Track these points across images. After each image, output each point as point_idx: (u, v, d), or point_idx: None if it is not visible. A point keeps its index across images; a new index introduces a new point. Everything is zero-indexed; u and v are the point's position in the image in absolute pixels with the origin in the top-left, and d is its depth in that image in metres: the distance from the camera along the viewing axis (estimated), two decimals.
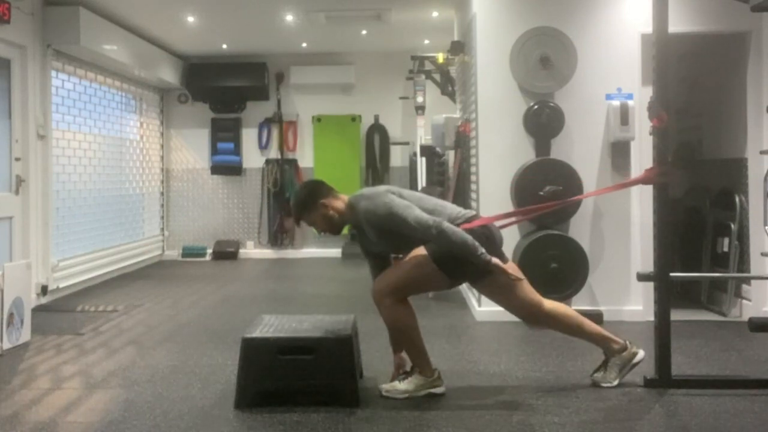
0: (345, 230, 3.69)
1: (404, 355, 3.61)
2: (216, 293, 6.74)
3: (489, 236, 3.42)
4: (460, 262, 3.34)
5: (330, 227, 3.53)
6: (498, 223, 3.65)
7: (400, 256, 3.52)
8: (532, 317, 3.63)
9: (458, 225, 3.34)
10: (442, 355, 4.20)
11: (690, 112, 6.15)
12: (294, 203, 3.58)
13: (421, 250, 3.38)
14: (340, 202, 3.50)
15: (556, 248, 4.95)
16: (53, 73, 6.53)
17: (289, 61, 9.37)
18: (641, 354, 3.61)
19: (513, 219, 4.30)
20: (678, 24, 4.37)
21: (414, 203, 3.38)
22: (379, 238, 3.42)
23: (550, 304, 3.59)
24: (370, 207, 3.36)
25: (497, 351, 4.40)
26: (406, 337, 3.48)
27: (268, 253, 9.53)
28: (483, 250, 3.26)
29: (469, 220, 3.41)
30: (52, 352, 4.49)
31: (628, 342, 3.63)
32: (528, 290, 3.55)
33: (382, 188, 3.50)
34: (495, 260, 3.29)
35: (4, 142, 5.89)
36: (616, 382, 3.59)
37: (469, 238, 3.25)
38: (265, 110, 9.49)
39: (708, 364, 4.07)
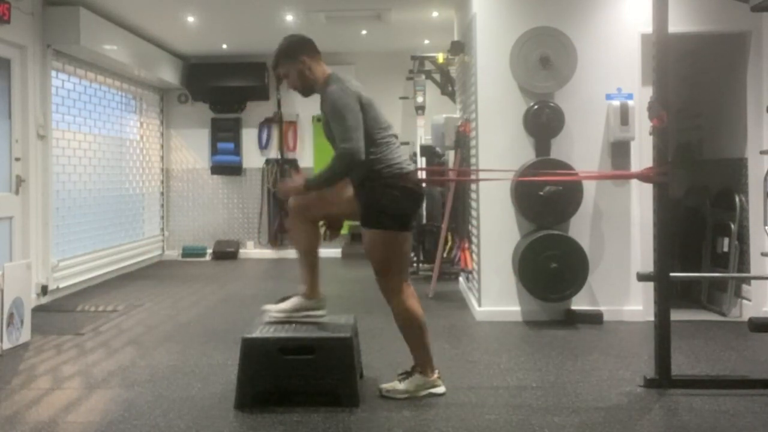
0: (345, 230, 3.68)
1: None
2: (216, 293, 6.74)
3: (415, 195, 3.40)
4: (393, 213, 3.31)
5: (301, 86, 3.50)
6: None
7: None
8: (389, 296, 3.44)
9: (391, 174, 3.30)
10: (442, 355, 4.20)
11: (690, 112, 6.15)
12: (278, 49, 3.53)
13: (365, 237, 3.37)
14: (320, 68, 3.47)
15: (556, 248, 4.95)
16: (53, 73, 6.53)
17: None
18: (441, 389, 3.51)
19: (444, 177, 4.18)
20: (678, 24, 4.37)
21: (369, 125, 3.29)
22: (324, 123, 3.41)
23: (411, 302, 3.42)
24: (334, 92, 3.30)
25: (497, 351, 4.40)
26: (414, 333, 3.47)
27: (268, 253, 9.53)
28: (321, 185, 3.30)
29: (403, 175, 3.34)
30: (52, 352, 4.49)
31: (438, 372, 3.54)
32: (405, 273, 3.45)
33: (358, 89, 3.37)
34: (307, 188, 3.32)
35: (4, 142, 5.89)
36: (403, 396, 3.44)
37: (330, 181, 3.29)
38: (265, 110, 9.49)
39: (708, 364, 4.07)
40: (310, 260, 3.53)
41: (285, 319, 3.54)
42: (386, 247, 3.36)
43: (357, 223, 3.60)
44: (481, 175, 5.28)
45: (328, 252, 9.25)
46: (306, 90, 3.52)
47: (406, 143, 9.18)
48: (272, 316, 3.56)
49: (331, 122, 3.31)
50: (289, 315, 3.53)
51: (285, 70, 3.50)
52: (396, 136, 3.49)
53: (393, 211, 3.33)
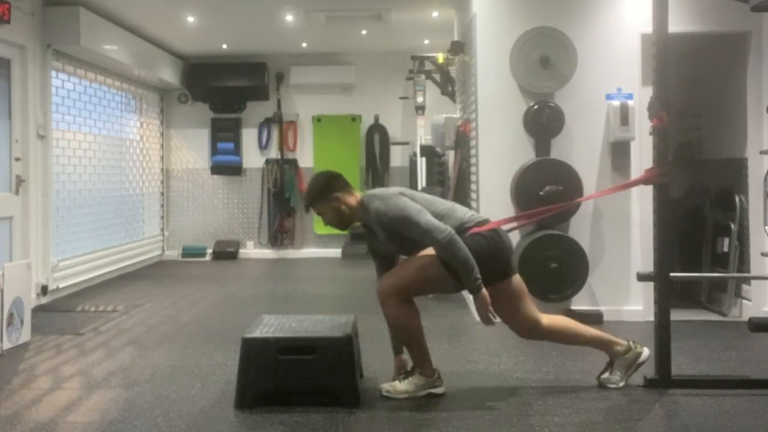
0: (346, 230, 3.69)
1: (405, 356, 3.61)
2: (216, 293, 6.74)
3: (498, 243, 3.39)
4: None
5: (338, 221, 3.52)
6: (507, 226, 3.65)
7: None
8: (529, 333, 3.61)
9: (468, 228, 3.34)
10: (442, 355, 4.20)
11: (690, 112, 6.15)
12: (308, 190, 3.55)
13: (429, 251, 3.36)
14: (353, 199, 3.49)
15: (556, 248, 4.95)
16: (53, 73, 6.53)
17: (289, 61, 9.37)
18: (646, 353, 3.60)
19: (520, 222, 4.29)
20: (678, 24, 4.37)
21: (425, 207, 3.36)
22: (389, 239, 3.42)
23: (547, 320, 3.56)
24: (382, 208, 3.35)
25: (497, 351, 4.40)
26: (410, 336, 3.46)
27: (268, 253, 9.53)
28: (479, 276, 3.23)
29: (479, 224, 3.40)
30: (52, 352, 4.49)
31: (631, 342, 3.61)
32: (529, 307, 3.53)
33: (395, 190, 3.49)
34: (484, 293, 3.25)
35: (4, 142, 5.89)
36: (622, 383, 3.57)
37: (470, 259, 3.22)
38: (265, 110, 9.49)
39: (708, 364, 4.07)
40: (419, 339, 3.47)
41: (406, 398, 3.45)
42: (429, 273, 3.34)
43: (358, 223, 3.60)
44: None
45: (328, 252, 9.27)
46: (344, 224, 3.55)
47: (406, 143, 9.22)
48: (394, 397, 3.46)
49: (402, 230, 3.31)
50: (411, 395, 3.45)
51: (320, 209, 3.51)
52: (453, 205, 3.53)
53: (477, 257, 3.27)
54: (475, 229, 3.36)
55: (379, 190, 3.54)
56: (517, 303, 3.49)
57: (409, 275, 3.39)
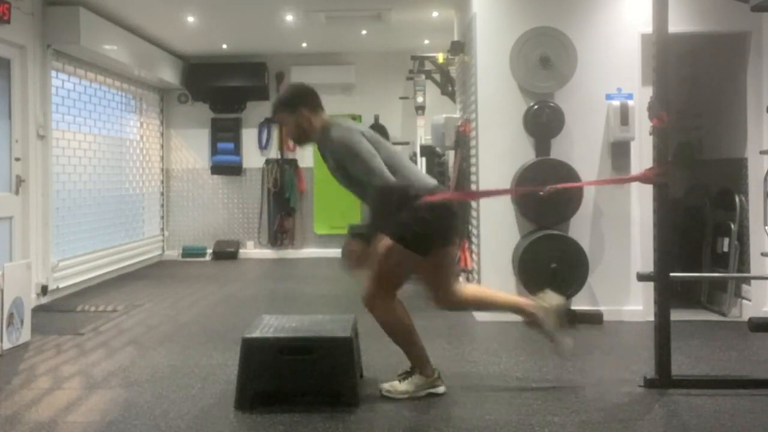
0: (345, 230, 3.67)
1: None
2: (216, 293, 6.74)
3: (451, 212, 3.42)
4: (418, 235, 3.31)
5: (297, 137, 3.51)
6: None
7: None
8: (447, 303, 3.57)
9: (421, 195, 3.30)
10: (442, 355, 4.20)
11: (690, 112, 6.15)
12: (278, 97, 3.54)
13: (384, 242, 3.35)
14: (318, 119, 3.47)
15: (556, 248, 4.96)
16: (53, 73, 6.53)
17: (289, 61, 9.37)
18: (557, 300, 3.56)
19: (468, 198, 4.22)
20: (678, 24, 4.37)
21: (383, 153, 3.32)
22: (336, 169, 3.42)
23: (463, 291, 3.54)
24: (337, 137, 3.33)
25: (497, 351, 4.40)
26: (403, 337, 3.47)
27: (268, 253, 9.53)
28: (375, 230, 3.27)
29: (432, 191, 3.37)
30: (52, 352, 4.49)
31: (536, 300, 3.57)
32: (454, 279, 3.50)
33: (358, 126, 3.44)
34: (365, 244, 3.27)
35: (4, 142, 5.89)
36: (403, 396, 3.45)
37: (387, 211, 3.24)
38: (265, 110, 9.47)
39: (708, 364, 4.07)
40: (413, 338, 3.48)
41: (406, 398, 3.45)
42: (396, 260, 3.34)
43: (355, 223, 3.60)
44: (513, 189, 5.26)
45: (328, 252, 9.27)
46: (302, 141, 3.54)
47: (406, 143, 9.22)
48: (394, 397, 3.45)
49: (348, 164, 3.29)
50: (411, 395, 3.45)
51: (283, 119, 3.51)
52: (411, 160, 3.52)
53: (418, 229, 3.29)
54: (428, 197, 3.31)
55: (344, 121, 3.49)
56: (445, 272, 3.48)
57: (377, 271, 3.38)
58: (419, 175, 3.50)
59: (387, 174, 3.22)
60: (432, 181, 3.49)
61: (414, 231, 3.30)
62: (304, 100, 3.47)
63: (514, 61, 5.18)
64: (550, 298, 3.58)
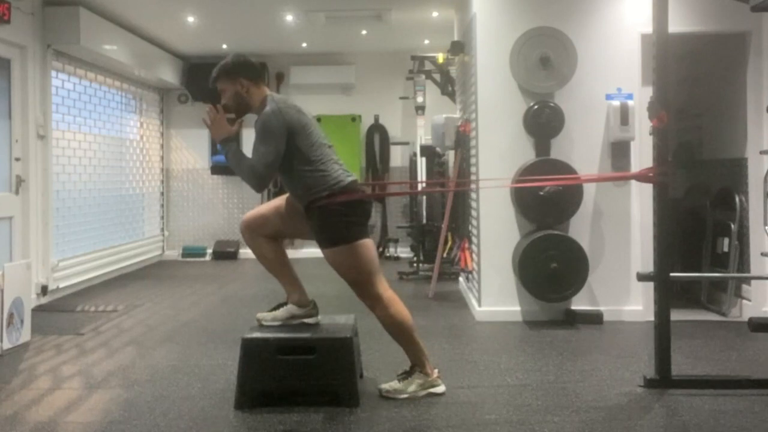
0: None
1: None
2: (216, 293, 6.74)
3: (364, 205, 3.46)
4: (334, 232, 3.32)
5: (235, 105, 3.49)
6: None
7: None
8: (360, 296, 3.48)
9: (330, 191, 3.30)
10: (442, 355, 4.21)
11: (690, 112, 6.15)
12: (220, 64, 3.50)
13: (330, 260, 3.36)
14: (257, 92, 3.46)
15: (556, 248, 4.95)
16: (53, 73, 6.53)
17: (289, 61, 9.37)
18: (442, 389, 3.52)
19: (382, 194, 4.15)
20: (678, 24, 4.37)
21: (303, 145, 3.31)
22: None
23: (385, 305, 3.41)
24: (266, 113, 3.32)
25: (497, 351, 4.40)
26: (405, 335, 3.47)
27: None
28: (229, 160, 3.40)
29: (345, 189, 3.35)
30: (52, 352, 4.49)
31: (437, 371, 3.55)
32: (369, 276, 3.40)
33: (291, 117, 3.35)
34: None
35: (4, 142, 5.89)
36: (403, 396, 3.45)
37: (232, 165, 3.39)
38: None
39: (708, 364, 4.07)
40: (414, 337, 3.48)
41: (406, 398, 3.45)
42: (349, 260, 3.34)
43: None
44: (481, 183, 5.27)
45: None
46: (239, 110, 3.51)
47: (406, 143, 9.23)
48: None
49: (256, 139, 3.33)
50: (411, 395, 3.45)
51: (222, 86, 3.48)
52: (331, 147, 3.49)
53: (341, 224, 3.32)
54: (342, 197, 3.31)
55: (284, 101, 3.44)
56: (367, 268, 3.40)
57: (349, 280, 3.39)
58: (334, 168, 3.41)
59: (266, 178, 3.34)
60: (349, 177, 3.44)
61: (339, 226, 3.31)
62: (245, 70, 3.46)
63: (514, 61, 5.18)
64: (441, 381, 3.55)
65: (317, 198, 3.33)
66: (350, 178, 3.44)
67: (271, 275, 3.64)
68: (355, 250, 3.33)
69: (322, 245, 3.37)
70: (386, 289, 3.43)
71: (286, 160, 3.34)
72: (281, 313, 3.56)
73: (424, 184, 7.69)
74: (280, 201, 3.65)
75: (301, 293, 3.59)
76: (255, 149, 3.34)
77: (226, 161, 3.45)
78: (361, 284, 3.40)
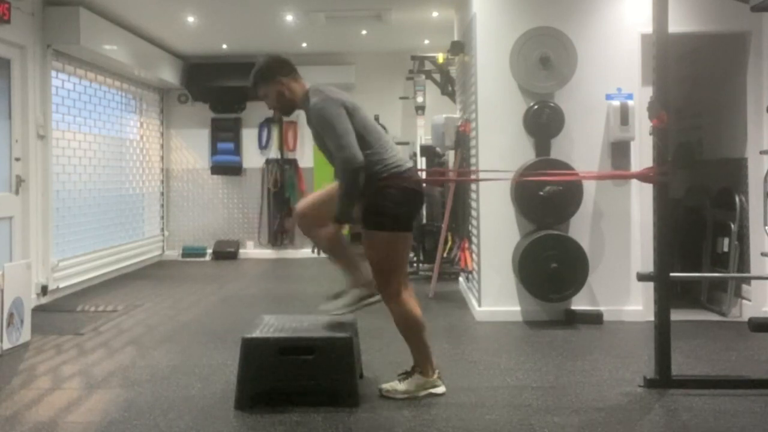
0: (345, 231, 3.67)
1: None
2: (216, 293, 6.74)
3: (419, 195, 3.42)
4: (390, 214, 3.30)
5: (281, 106, 3.50)
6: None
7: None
8: (380, 288, 3.48)
9: (389, 173, 3.30)
10: (442, 355, 4.20)
11: (690, 112, 6.16)
12: (254, 71, 3.51)
13: (366, 242, 3.37)
14: (298, 86, 3.46)
15: (556, 248, 4.95)
16: (53, 73, 6.53)
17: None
18: (442, 389, 3.52)
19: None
20: (678, 24, 4.37)
21: (360, 128, 3.30)
22: (315, 137, 3.42)
23: (403, 301, 3.41)
24: (318, 105, 3.31)
25: (497, 351, 4.40)
26: (414, 335, 3.47)
27: (268, 253, 9.53)
28: (347, 211, 3.25)
29: (404, 172, 3.35)
30: (52, 352, 4.49)
31: (438, 371, 3.54)
32: (397, 269, 3.41)
33: (340, 96, 3.38)
34: (336, 227, 3.28)
35: (4, 142, 5.89)
36: (403, 396, 3.45)
37: (354, 196, 3.24)
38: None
39: (708, 364, 4.07)
40: (423, 337, 3.47)
41: (406, 398, 3.45)
42: (386, 247, 3.35)
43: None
44: (482, 175, 5.28)
45: None
46: (286, 109, 3.52)
47: (406, 143, 9.21)
48: (394, 397, 3.45)
49: (323, 134, 3.31)
50: (411, 395, 3.45)
51: (263, 91, 3.49)
52: (388, 134, 3.51)
53: (393, 211, 3.32)
54: (397, 180, 3.31)
55: (326, 87, 3.44)
56: (398, 262, 3.43)
57: (373, 266, 3.39)
58: (394, 152, 3.44)
59: (357, 152, 3.21)
60: (406, 162, 3.47)
61: (388, 210, 3.30)
62: (281, 68, 3.46)
63: (514, 61, 5.18)
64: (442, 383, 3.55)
65: (375, 180, 3.30)
66: (409, 164, 3.45)
67: (410, 342, 3.48)
68: (395, 239, 3.34)
69: (367, 225, 3.36)
70: (406, 286, 3.44)
71: (324, 145, 3.33)
72: (349, 298, 3.50)
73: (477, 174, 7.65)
74: (332, 188, 3.51)
75: (364, 273, 3.50)
76: (329, 140, 3.27)
77: (348, 208, 3.30)
78: (386, 274, 3.38)
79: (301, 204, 3.63)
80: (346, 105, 3.34)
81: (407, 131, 9.20)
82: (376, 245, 3.36)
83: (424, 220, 7.64)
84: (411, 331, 3.46)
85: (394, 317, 3.45)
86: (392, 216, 3.33)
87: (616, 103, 5.12)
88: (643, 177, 3.75)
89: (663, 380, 3.58)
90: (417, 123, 8.29)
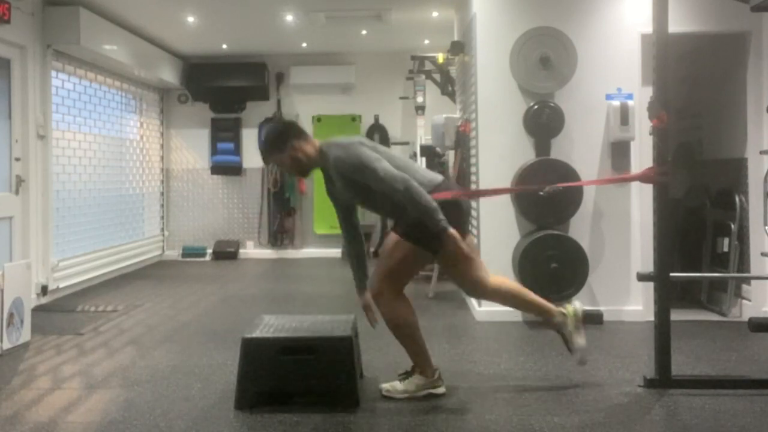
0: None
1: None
2: (216, 293, 6.74)
3: (456, 203, 3.39)
4: (426, 232, 3.27)
5: (298, 170, 3.50)
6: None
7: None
8: (477, 293, 3.70)
9: (430, 190, 3.30)
10: (442, 355, 4.21)
11: (690, 112, 6.15)
12: (264, 141, 3.52)
13: (392, 237, 3.39)
14: (310, 147, 3.45)
15: (556, 248, 4.95)
16: (53, 73, 6.53)
17: (289, 61, 9.37)
18: (578, 305, 3.59)
19: (478, 195, 4.24)
20: (678, 24, 4.37)
21: (385, 158, 3.33)
22: (347, 188, 3.39)
23: (495, 282, 3.61)
24: (341, 155, 3.32)
25: (497, 351, 4.40)
26: (406, 334, 3.47)
27: (268, 253, 9.53)
28: (442, 218, 3.19)
29: (437, 188, 3.36)
30: (52, 352, 4.49)
31: (561, 308, 3.58)
32: (478, 267, 3.54)
33: (355, 138, 3.45)
34: (451, 231, 3.21)
35: (4, 142, 5.89)
36: (403, 396, 3.45)
37: (431, 201, 3.20)
38: (265, 110, 9.48)
39: (708, 364, 4.07)
40: (415, 337, 3.47)
41: (406, 398, 3.45)
42: (407, 250, 3.36)
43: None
44: (512, 187, 5.26)
45: (328, 252, 9.27)
46: (304, 172, 3.52)
47: (406, 143, 9.22)
48: (394, 397, 3.45)
49: (362, 180, 3.27)
50: (411, 395, 3.45)
51: (278, 160, 3.49)
52: (411, 153, 3.55)
53: (431, 228, 3.26)
54: (435, 195, 3.29)
55: (339, 138, 3.48)
56: (466, 264, 3.47)
57: (387, 263, 3.41)
58: (424, 171, 3.51)
59: (402, 176, 3.22)
60: (437, 177, 3.48)
61: (423, 228, 3.27)
62: (289, 134, 3.45)
63: (514, 61, 5.18)
64: (570, 305, 3.61)
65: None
66: (439, 179, 3.45)
67: (403, 342, 3.50)
68: (411, 251, 3.35)
69: (398, 231, 3.37)
70: (400, 291, 3.44)
71: (366, 190, 3.31)
72: (412, 386, 3.46)
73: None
74: (390, 250, 3.43)
75: (429, 362, 3.50)
76: (374, 182, 3.24)
77: (426, 228, 3.25)
78: (390, 272, 3.39)
79: (375, 282, 3.47)
80: (365, 143, 3.38)
81: (407, 131, 9.21)
82: (396, 249, 3.37)
83: None
84: (402, 333, 3.47)
85: (385, 320, 3.46)
86: (424, 231, 3.26)
87: (616, 103, 5.12)
88: (643, 178, 3.75)
89: (663, 380, 3.58)
90: (417, 123, 8.29)
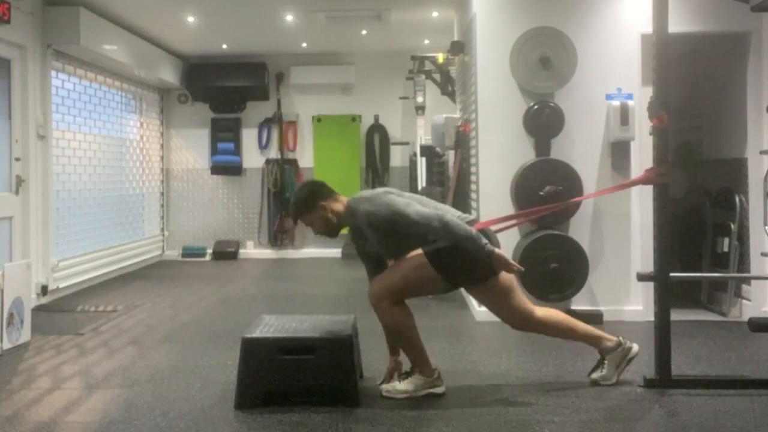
0: (344, 230, 3.68)
1: (401, 358, 3.62)
2: (216, 293, 6.74)
3: (487, 235, 3.42)
4: (457, 266, 3.34)
5: (327, 230, 3.53)
6: (497, 226, 3.66)
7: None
8: (523, 324, 3.62)
9: None
10: (442, 355, 4.21)
11: (690, 112, 6.15)
12: (293, 202, 3.57)
13: (418, 253, 3.38)
14: (339, 205, 3.48)
15: (556, 248, 4.95)
16: (53, 73, 6.53)
17: (289, 61, 9.37)
18: (635, 348, 3.64)
19: (512, 222, 4.27)
20: (678, 24, 4.37)
21: (414, 201, 3.38)
22: (381, 240, 3.41)
23: (541, 311, 3.58)
24: (370, 209, 3.35)
25: (497, 351, 4.40)
26: (404, 338, 3.48)
27: (268, 253, 9.53)
28: (487, 242, 3.25)
29: (470, 224, 3.39)
30: (52, 352, 4.49)
31: (621, 338, 3.65)
32: (521, 298, 3.56)
33: (380, 190, 3.51)
34: (498, 251, 3.27)
35: (4, 142, 5.89)
36: (615, 379, 3.60)
37: (470, 230, 3.24)
38: (265, 110, 9.49)
39: (708, 364, 4.07)
40: (413, 339, 3.48)
41: (406, 398, 3.46)
42: (413, 267, 3.36)
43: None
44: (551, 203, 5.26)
45: (328, 252, 9.27)
46: (334, 231, 3.55)
47: (406, 143, 9.23)
48: (394, 397, 3.46)
49: (396, 227, 3.30)
50: (411, 395, 3.46)
51: (308, 220, 3.51)
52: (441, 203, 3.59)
53: (460, 265, 3.33)
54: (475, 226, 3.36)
55: (365, 192, 3.53)
56: (506, 297, 3.49)
57: (399, 278, 3.40)
58: (454, 210, 3.52)
59: (435, 213, 3.26)
60: (468, 216, 3.53)
61: (448, 261, 3.32)
62: (318, 194, 3.48)
63: (514, 61, 5.18)
64: (631, 343, 3.66)
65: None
66: (471, 218, 3.50)
67: (401, 345, 3.56)
68: (429, 269, 3.35)
69: (430, 255, 3.38)
70: (399, 301, 3.43)
71: (402, 237, 3.34)
72: (411, 386, 3.47)
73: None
74: (413, 274, 3.41)
75: (428, 362, 3.52)
76: (410, 226, 3.28)
77: (484, 250, 3.27)
78: (397, 290, 3.39)
79: (377, 290, 3.45)
80: (391, 191, 3.44)
81: (407, 131, 9.21)
82: (413, 266, 3.36)
83: None
84: (398, 335, 3.49)
85: (381, 321, 3.47)
86: (448, 263, 3.33)
87: (616, 103, 5.12)
88: (643, 181, 3.74)
89: (663, 380, 3.58)
90: (417, 123, 8.28)
